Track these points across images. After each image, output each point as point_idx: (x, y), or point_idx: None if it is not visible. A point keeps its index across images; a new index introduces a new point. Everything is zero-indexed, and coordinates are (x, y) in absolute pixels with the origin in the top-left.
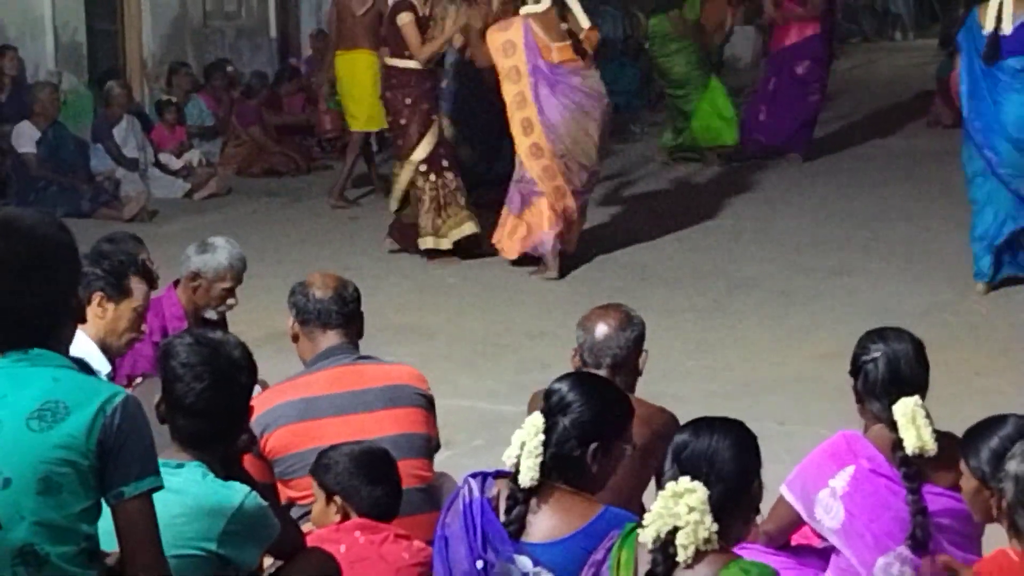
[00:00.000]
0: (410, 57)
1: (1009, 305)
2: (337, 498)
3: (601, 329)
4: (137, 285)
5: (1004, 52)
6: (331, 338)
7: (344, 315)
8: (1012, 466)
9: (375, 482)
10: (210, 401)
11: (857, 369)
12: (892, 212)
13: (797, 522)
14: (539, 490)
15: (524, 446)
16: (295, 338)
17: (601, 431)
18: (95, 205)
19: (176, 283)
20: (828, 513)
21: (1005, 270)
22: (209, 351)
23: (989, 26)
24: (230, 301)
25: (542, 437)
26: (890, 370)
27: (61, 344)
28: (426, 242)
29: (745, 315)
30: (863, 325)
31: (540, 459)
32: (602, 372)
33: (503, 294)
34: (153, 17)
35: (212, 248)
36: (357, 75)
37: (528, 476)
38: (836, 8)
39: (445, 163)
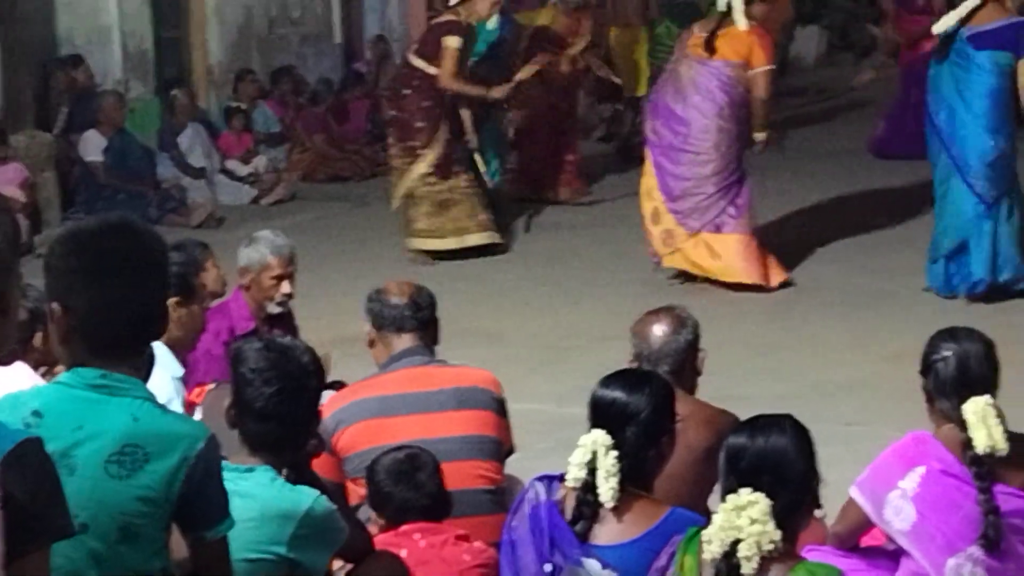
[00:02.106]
0: (436, 65)
1: None
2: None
3: (655, 334)
4: (197, 283)
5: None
6: (406, 341)
7: (419, 320)
8: None
9: (402, 485)
10: (279, 405)
11: (927, 368)
12: None
13: (867, 524)
14: None
15: (597, 467)
16: (371, 344)
17: (665, 424)
18: (162, 212)
19: (241, 286)
20: (898, 515)
21: None
22: (278, 356)
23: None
24: (284, 289)
25: (615, 453)
26: (961, 369)
27: (142, 357)
28: (425, 243)
29: (811, 316)
30: (930, 326)
31: (619, 476)
32: None
33: (570, 296)
34: (219, 24)
35: (254, 241)
36: (630, 47)
37: (610, 497)
38: None
39: (456, 167)
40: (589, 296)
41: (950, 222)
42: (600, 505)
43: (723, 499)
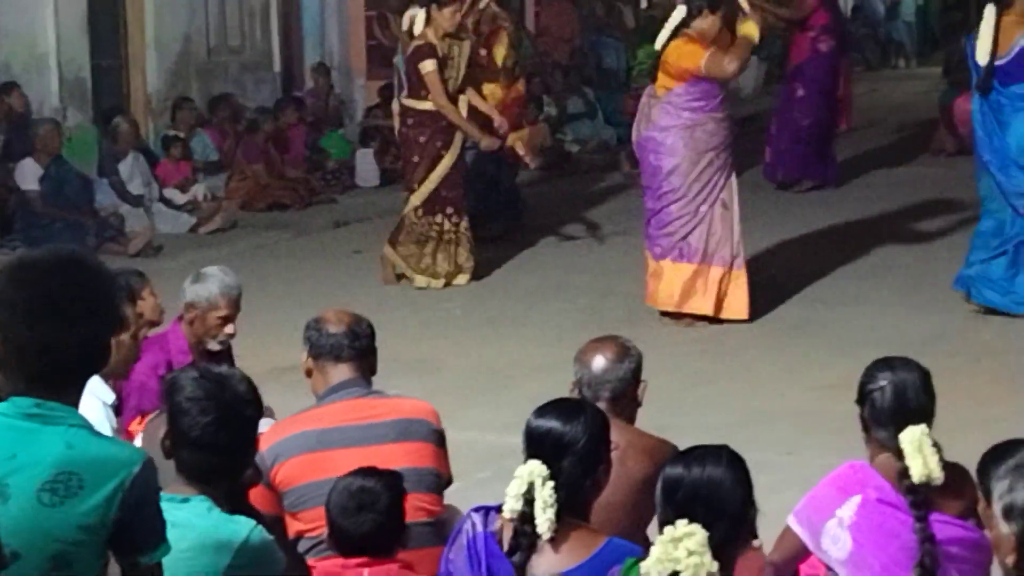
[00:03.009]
0: (425, 98)
1: (1014, 333)
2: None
3: (598, 362)
4: (131, 312)
5: (1005, 79)
6: (343, 372)
7: (357, 349)
8: (1008, 499)
9: (350, 515)
10: (215, 435)
11: (864, 398)
12: (896, 241)
13: (804, 553)
14: None
15: (535, 499)
16: (308, 373)
17: (601, 453)
18: (100, 240)
19: (181, 318)
20: (835, 543)
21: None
22: (214, 385)
23: (983, 58)
24: (228, 330)
25: (552, 484)
26: (897, 399)
27: (80, 391)
28: (397, 261)
29: (748, 346)
30: (867, 355)
31: (556, 506)
32: (601, 405)
33: (508, 327)
34: (157, 53)
35: (204, 278)
36: None
37: (548, 528)
38: (839, 28)
39: (450, 209)
40: (527, 325)
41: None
42: (537, 536)
43: (660, 530)
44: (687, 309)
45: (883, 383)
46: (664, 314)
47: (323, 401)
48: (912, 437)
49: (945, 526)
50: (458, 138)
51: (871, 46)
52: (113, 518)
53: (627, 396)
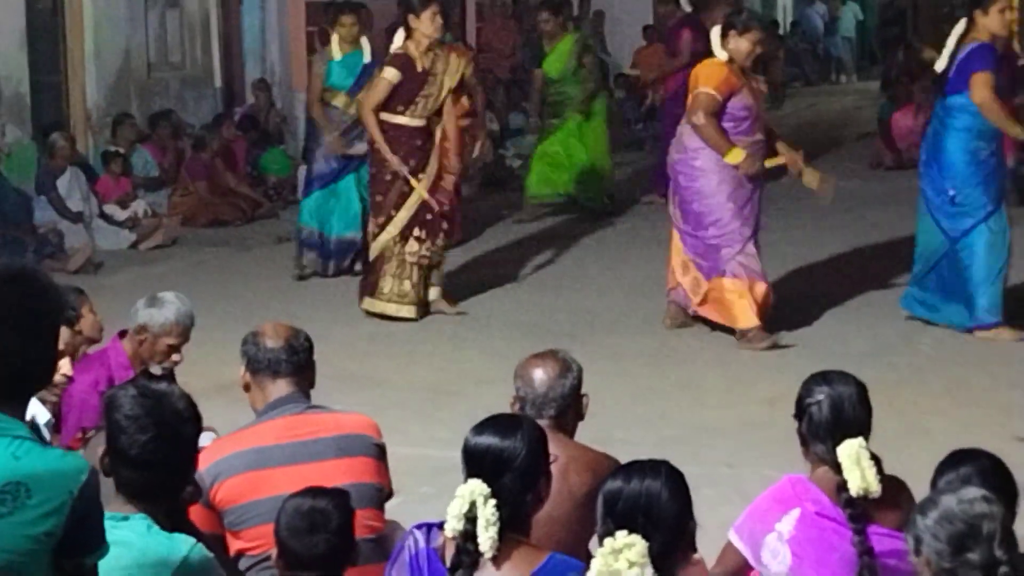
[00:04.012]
0: (402, 112)
1: (953, 346)
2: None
3: (540, 378)
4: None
5: (947, 88)
6: (281, 387)
7: (295, 364)
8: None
9: (303, 537)
10: (154, 453)
11: (802, 412)
12: (835, 254)
13: (745, 567)
14: None
15: (477, 517)
16: (247, 387)
17: (540, 467)
18: (39, 257)
19: (122, 334)
20: (775, 557)
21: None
22: (153, 403)
23: (940, 66)
24: (175, 357)
25: (494, 501)
26: (834, 412)
27: (24, 404)
28: (383, 308)
29: (692, 359)
30: (808, 368)
31: (499, 524)
32: (545, 422)
33: (450, 342)
34: (97, 68)
35: (160, 303)
36: None
37: (490, 546)
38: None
39: (421, 232)
40: (470, 340)
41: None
42: (480, 553)
43: (600, 543)
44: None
45: (820, 397)
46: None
47: (262, 418)
48: (849, 451)
49: (883, 538)
50: (434, 160)
51: (810, 61)
52: (63, 527)
53: (570, 411)
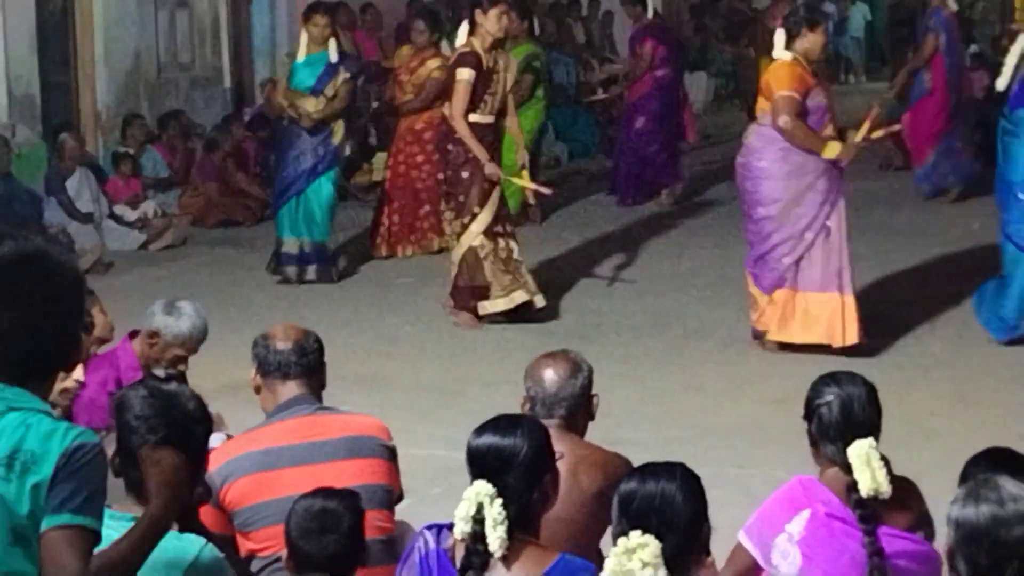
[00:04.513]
0: (472, 110)
1: (962, 347)
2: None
3: (552, 379)
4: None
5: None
6: (292, 389)
7: (305, 366)
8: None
9: (313, 537)
10: None
11: (811, 413)
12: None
13: (754, 568)
14: None
15: (485, 518)
16: (257, 390)
17: (545, 463)
18: None
19: (132, 334)
20: (785, 559)
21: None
22: (163, 403)
23: (1002, 84)
24: (181, 367)
25: (500, 501)
26: (844, 413)
27: (43, 382)
28: (496, 304)
29: (701, 361)
30: (817, 370)
31: (507, 523)
32: (554, 421)
33: (459, 343)
34: (107, 69)
35: (178, 313)
36: None
37: (499, 546)
38: (676, 55)
39: (508, 227)
40: (478, 341)
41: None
42: (489, 554)
43: (615, 543)
44: (786, 338)
45: (830, 398)
46: (782, 346)
47: (272, 419)
48: (859, 451)
49: (893, 539)
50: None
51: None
52: (52, 474)
53: (581, 411)
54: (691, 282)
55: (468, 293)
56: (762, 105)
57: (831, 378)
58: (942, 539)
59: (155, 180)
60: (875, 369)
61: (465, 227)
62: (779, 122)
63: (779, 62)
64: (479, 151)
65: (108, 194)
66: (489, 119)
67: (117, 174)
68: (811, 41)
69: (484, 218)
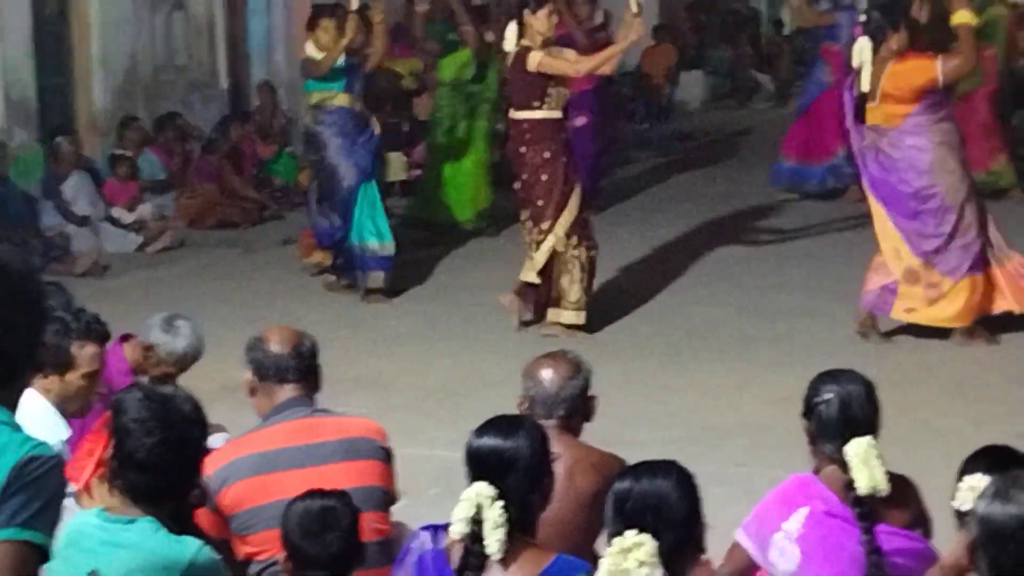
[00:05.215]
0: (539, 107)
1: (962, 344)
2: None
3: (551, 378)
4: (81, 350)
5: None
6: (287, 391)
7: (301, 369)
8: (981, 506)
9: (315, 537)
10: (161, 456)
11: (809, 410)
12: (848, 253)
13: (752, 566)
14: None
15: (483, 519)
16: (252, 392)
17: (544, 465)
18: (46, 260)
19: (124, 338)
20: (783, 556)
21: None
22: (159, 406)
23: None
24: (172, 381)
25: (500, 503)
26: (842, 411)
27: (14, 394)
28: (568, 316)
29: (703, 360)
30: (817, 367)
31: (507, 525)
32: (552, 422)
33: (458, 343)
34: (104, 71)
35: (175, 331)
36: None
37: (498, 548)
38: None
39: (584, 231)
40: (476, 341)
41: None
42: (487, 555)
43: (609, 543)
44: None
45: (828, 396)
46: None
47: (268, 422)
48: (858, 449)
49: (891, 537)
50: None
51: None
52: (3, 486)
53: (579, 412)
54: (691, 282)
55: (539, 293)
56: (894, 111)
57: (830, 376)
58: (940, 537)
59: (152, 182)
60: (875, 367)
61: (544, 233)
62: (964, 66)
63: (894, 67)
64: (606, 60)
65: (105, 197)
66: (556, 114)
67: (114, 177)
68: (897, 41)
69: (565, 222)
